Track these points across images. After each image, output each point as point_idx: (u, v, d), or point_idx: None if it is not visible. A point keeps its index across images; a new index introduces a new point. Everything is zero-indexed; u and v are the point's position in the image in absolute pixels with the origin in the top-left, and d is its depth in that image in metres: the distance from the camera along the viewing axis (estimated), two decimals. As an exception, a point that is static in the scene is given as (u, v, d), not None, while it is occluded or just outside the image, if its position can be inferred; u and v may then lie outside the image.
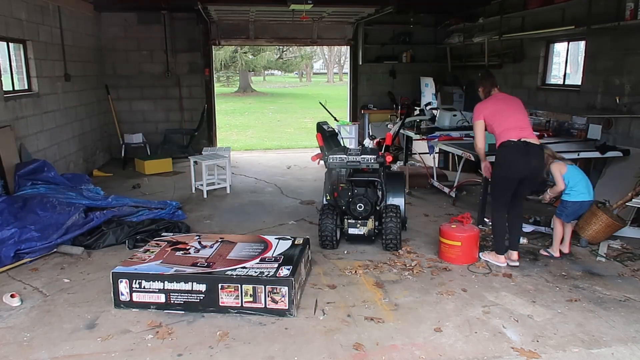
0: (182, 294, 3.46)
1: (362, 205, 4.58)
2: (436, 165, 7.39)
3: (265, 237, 4.27)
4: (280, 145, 12.53)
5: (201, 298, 3.45)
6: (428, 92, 9.23)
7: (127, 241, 4.79)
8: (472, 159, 5.36)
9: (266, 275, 3.44)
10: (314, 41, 10.20)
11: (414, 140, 7.61)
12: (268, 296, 3.40)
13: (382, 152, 4.69)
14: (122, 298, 3.52)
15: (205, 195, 6.71)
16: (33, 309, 3.57)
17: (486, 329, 3.27)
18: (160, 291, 3.48)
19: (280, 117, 19.35)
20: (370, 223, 4.69)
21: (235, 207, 6.31)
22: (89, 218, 5.02)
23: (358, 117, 10.50)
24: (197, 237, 4.30)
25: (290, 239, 4.18)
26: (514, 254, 4.35)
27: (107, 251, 4.69)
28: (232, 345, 3.09)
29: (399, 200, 4.96)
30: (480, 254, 4.43)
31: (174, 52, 9.44)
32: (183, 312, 3.47)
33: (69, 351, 3.04)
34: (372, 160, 4.57)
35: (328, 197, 4.94)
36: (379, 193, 4.76)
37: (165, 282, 3.47)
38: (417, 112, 8.67)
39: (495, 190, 4.37)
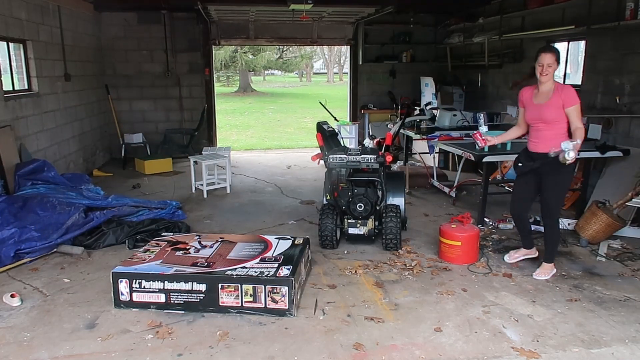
0: (182, 294, 3.47)
1: (362, 205, 4.58)
2: (436, 165, 7.39)
3: (265, 236, 4.27)
4: (280, 145, 12.53)
5: (201, 298, 3.45)
6: (428, 92, 9.22)
7: (127, 241, 4.78)
8: (472, 158, 5.36)
9: (266, 275, 3.44)
10: (314, 41, 10.20)
11: (414, 140, 7.61)
12: (268, 296, 3.40)
13: (382, 152, 4.69)
14: (122, 298, 3.52)
15: (205, 195, 6.71)
16: (33, 309, 3.57)
17: (486, 329, 3.27)
18: (160, 291, 3.48)
19: (280, 117, 19.34)
20: (370, 223, 4.69)
21: (235, 207, 6.31)
22: (89, 218, 5.02)
23: (358, 117, 10.50)
24: (197, 237, 4.30)
25: (290, 239, 4.18)
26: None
27: (107, 251, 4.69)
28: (232, 345, 3.09)
29: (399, 200, 4.96)
30: (534, 274, 4.08)
31: (174, 52, 9.44)
32: (183, 312, 3.47)
33: (69, 351, 3.04)
34: (372, 160, 4.57)
35: (328, 197, 4.94)
36: (379, 193, 4.76)
37: (165, 282, 3.47)
38: (417, 112, 8.67)
39: (563, 195, 4.18)
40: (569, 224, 5.12)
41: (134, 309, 3.51)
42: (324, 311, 3.51)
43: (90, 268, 4.30)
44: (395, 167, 7.70)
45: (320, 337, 3.18)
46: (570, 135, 3.88)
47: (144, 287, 3.49)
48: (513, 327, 3.30)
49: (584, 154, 5.37)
